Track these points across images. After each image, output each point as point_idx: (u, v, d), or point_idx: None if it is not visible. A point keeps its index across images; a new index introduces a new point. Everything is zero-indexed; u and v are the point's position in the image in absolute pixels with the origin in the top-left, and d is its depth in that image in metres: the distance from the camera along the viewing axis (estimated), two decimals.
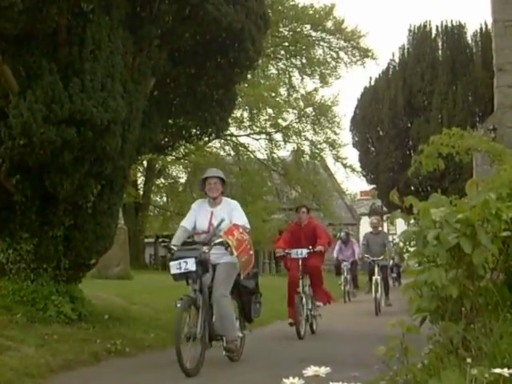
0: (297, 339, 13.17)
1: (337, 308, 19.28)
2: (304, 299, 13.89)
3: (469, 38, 36.20)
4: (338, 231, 34.04)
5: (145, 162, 38.35)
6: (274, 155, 42.01)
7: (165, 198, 45.50)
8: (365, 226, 59.91)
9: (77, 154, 11.25)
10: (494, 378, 3.24)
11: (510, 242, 4.41)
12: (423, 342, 4.61)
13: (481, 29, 35.61)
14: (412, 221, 4.48)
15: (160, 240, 47.53)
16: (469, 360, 3.40)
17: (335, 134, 41.59)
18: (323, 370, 2.97)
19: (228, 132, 35.88)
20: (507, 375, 3.12)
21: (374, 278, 21.14)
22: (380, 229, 24.16)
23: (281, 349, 12.13)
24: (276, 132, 41.45)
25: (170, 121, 15.36)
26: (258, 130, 41.37)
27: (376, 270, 20.79)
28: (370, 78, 39.52)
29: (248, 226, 10.06)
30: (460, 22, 36.46)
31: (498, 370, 3.15)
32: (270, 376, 8.71)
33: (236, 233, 9.69)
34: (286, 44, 41.43)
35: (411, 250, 4.60)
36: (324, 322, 15.44)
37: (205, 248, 9.66)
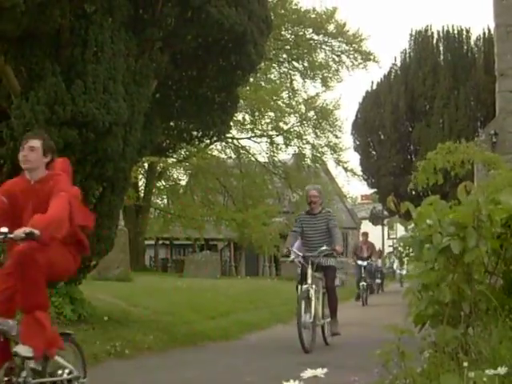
0: (297, 343, 13.17)
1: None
2: None
3: (471, 43, 36.20)
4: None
5: (146, 164, 38.37)
6: (275, 158, 42.05)
7: (166, 201, 45.50)
8: (365, 231, 59.97)
9: (78, 156, 11.26)
10: (491, 381, 3.25)
11: (507, 246, 4.42)
12: (420, 346, 4.62)
13: (483, 34, 35.58)
14: (410, 226, 4.49)
15: (160, 242, 47.57)
16: (465, 364, 3.41)
17: (336, 137, 41.68)
18: (320, 372, 2.99)
19: (229, 135, 35.91)
20: (502, 374, 3.14)
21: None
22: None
23: (280, 352, 12.13)
24: (277, 135, 41.48)
25: (172, 123, 15.39)
26: (259, 133, 41.40)
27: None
28: (372, 82, 39.48)
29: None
30: (462, 27, 36.50)
31: (492, 372, 3.16)
32: (270, 379, 8.71)
33: None
34: (288, 47, 41.45)
35: (410, 254, 4.62)
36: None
37: None
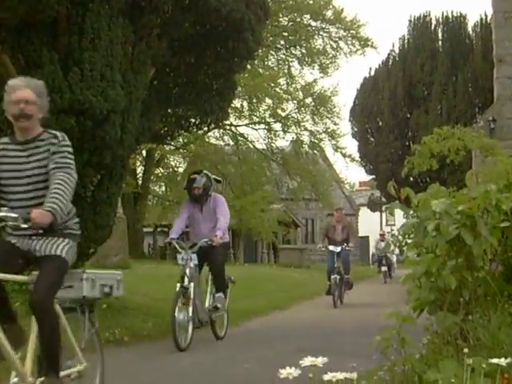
0: (295, 329, 13.21)
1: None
2: None
3: (469, 29, 36.15)
4: None
5: (144, 152, 38.33)
6: (273, 145, 42.01)
7: (164, 188, 45.50)
8: (363, 217, 60.06)
9: (76, 144, 11.16)
10: (491, 367, 3.26)
11: (508, 234, 4.43)
12: (419, 332, 4.63)
13: (481, 20, 35.55)
14: (411, 212, 4.49)
15: (159, 229, 47.57)
16: (465, 350, 3.42)
17: (335, 124, 41.64)
18: (320, 360, 2.98)
19: (227, 122, 35.86)
20: (504, 365, 3.14)
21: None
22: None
23: (279, 339, 12.15)
24: (275, 122, 41.44)
25: (170, 110, 15.35)
26: (257, 119, 41.35)
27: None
28: (370, 69, 39.43)
29: None
30: (460, 13, 36.42)
31: (495, 360, 3.16)
32: (268, 366, 8.73)
33: None
34: (286, 34, 41.35)
35: (410, 241, 4.62)
36: (323, 313, 15.51)
37: None
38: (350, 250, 19.82)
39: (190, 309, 10.77)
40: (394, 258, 33.71)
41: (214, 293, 11.75)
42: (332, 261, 18.95)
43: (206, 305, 11.63)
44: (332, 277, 18.52)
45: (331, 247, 19.05)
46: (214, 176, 12.11)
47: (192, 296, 10.80)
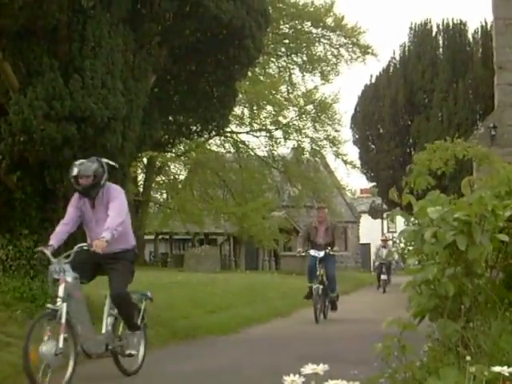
0: (297, 337, 13.19)
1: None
2: None
3: (470, 36, 36.18)
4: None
5: (145, 159, 38.36)
6: (275, 152, 42.02)
7: (165, 195, 45.51)
8: (364, 224, 60.01)
9: (77, 151, 11.25)
10: (492, 375, 3.25)
11: (508, 241, 4.42)
12: (420, 340, 4.62)
13: (482, 27, 35.57)
14: (412, 219, 4.49)
15: (160, 237, 47.57)
16: (468, 358, 3.41)
17: (336, 131, 41.64)
18: (321, 368, 2.97)
19: (228, 129, 35.88)
20: (507, 374, 3.12)
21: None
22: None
23: (280, 346, 12.14)
24: (276, 129, 41.45)
25: (171, 118, 15.38)
26: (258, 127, 41.37)
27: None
28: (371, 76, 39.43)
29: None
30: (461, 20, 36.46)
31: (497, 369, 3.15)
32: (270, 373, 8.72)
33: None
34: (287, 41, 41.42)
35: (410, 248, 4.62)
36: (323, 320, 15.48)
37: None
38: (335, 255, 16.40)
39: (62, 338, 7.86)
40: (394, 265, 32.71)
41: (122, 327, 9.42)
42: (313, 267, 15.92)
43: (103, 330, 9.18)
44: (314, 287, 15.65)
45: (312, 252, 16.02)
46: (106, 160, 9.09)
47: (64, 321, 7.94)
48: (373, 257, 31.04)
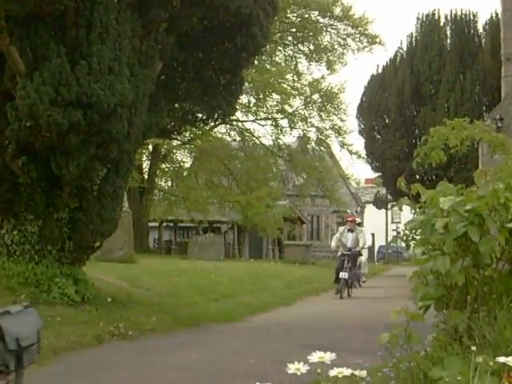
0: (299, 325, 13.21)
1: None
2: None
3: (478, 28, 36.09)
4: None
5: (150, 147, 38.31)
6: (280, 141, 41.90)
7: (170, 183, 45.46)
8: (369, 214, 59.99)
9: (83, 137, 11.26)
10: (497, 366, 3.25)
11: None
12: (426, 330, 4.62)
13: (490, 18, 35.47)
14: (418, 209, 4.48)
15: (164, 224, 47.58)
16: (473, 348, 3.40)
17: (341, 120, 41.51)
18: (328, 357, 2.97)
19: (234, 117, 35.80)
20: (511, 364, 3.12)
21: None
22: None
23: (283, 334, 12.15)
24: (282, 118, 41.34)
25: (177, 105, 15.36)
26: (264, 115, 41.26)
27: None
28: (378, 66, 39.38)
29: None
30: (469, 11, 36.34)
31: (502, 359, 3.14)
32: (273, 361, 8.74)
33: None
34: (294, 30, 41.27)
35: (417, 238, 4.61)
36: (327, 309, 15.50)
37: None
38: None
39: None
40: (364, 259, 25.29)
41: None
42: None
43: None
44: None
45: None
46: None
47: None
48: (332, 244, 21.63)
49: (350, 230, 21.30)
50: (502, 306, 4.26)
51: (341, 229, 22.16)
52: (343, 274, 19.76)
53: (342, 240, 21.18)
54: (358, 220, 23.29)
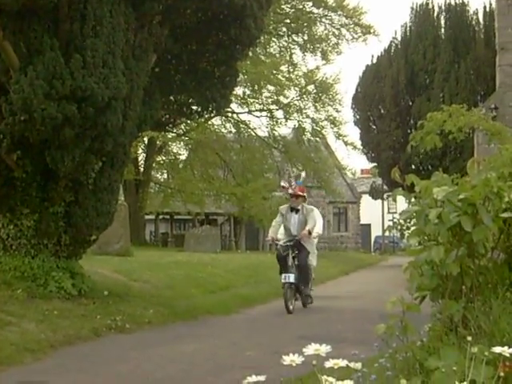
0: (296, 317, 13.22)
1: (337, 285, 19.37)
2: None
3: (472, 17, 36.05)
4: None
5: (145, 139, 38.28)
6: (275, 132, 41.93)
7: (165, 175, 45.47)
8: (365, 205, 60.08)
9: (78, 131, 11.24)
10: (493, 356, 3.25)
11: (510, 222, 4.42)
12: (422, 320, 4.63)
13: (484, 7, 35.47)
14: (413, 199, 4.48)
15: (160, 217, 47.59)
16: (469, 338, 3.41)
17: (336, 111, 41.52)
18: (324, 349, 2.97)
19: (229, 109, 35.79)
20: (507, 355, 3.13)
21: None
22: None
23: (280, 326, 12.17)
24: (277, 109, 41.34)
25: (171, 98, 15.34)
26: (259, 107, 41.28)
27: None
28: (372, 56, 39.41)
29: None
30: (463, 0, 36.34)
31: (498, 349, 3.15)
32: (270, 353, 8.75)
33: None
34: (288, 21, 41.22)
35: (411, 228, 4.61)
36: (323, 300, 15.51)
37: None
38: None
39: None
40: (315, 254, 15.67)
41: None
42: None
43: None
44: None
45: None
46: None
47: None
48: (269, 233, 15.44)
49: (295, 210, 14.69)
50: (497, 296, 4.26)
51: (282, 209, 15.31)
52: (287, 277, 13.72)
53: (286, 225, 14.80)
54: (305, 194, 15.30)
